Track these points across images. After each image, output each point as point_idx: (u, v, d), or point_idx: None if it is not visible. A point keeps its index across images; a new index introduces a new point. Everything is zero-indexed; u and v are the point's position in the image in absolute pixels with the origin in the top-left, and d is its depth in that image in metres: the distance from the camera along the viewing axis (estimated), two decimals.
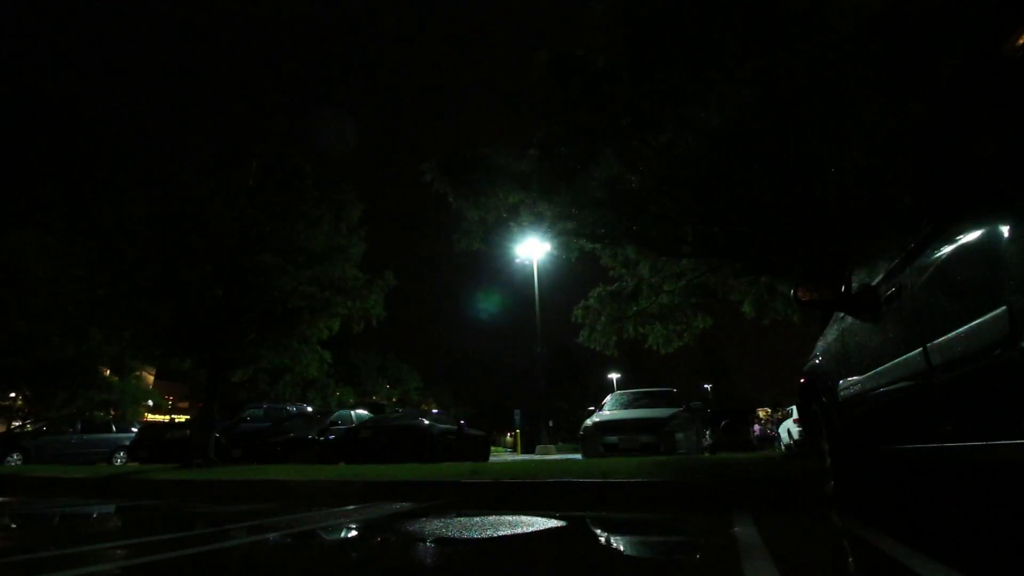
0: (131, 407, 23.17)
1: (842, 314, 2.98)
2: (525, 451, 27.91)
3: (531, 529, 3.00)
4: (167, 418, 31.92)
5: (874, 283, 2.47)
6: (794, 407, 14.15)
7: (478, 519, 3.35)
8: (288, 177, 10.02)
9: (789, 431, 16.23)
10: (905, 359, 2.02)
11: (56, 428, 14.94)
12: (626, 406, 10.75)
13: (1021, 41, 1.42)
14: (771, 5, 5.59)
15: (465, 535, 2.79)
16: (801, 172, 5.80)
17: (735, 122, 5.81)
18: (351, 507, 4.33)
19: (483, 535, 2.78)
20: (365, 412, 14.41)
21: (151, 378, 30.97)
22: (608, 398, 11.64)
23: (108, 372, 22.15)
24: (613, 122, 6.46)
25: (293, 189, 9.88)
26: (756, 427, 21.95)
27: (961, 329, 1.61)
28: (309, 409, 14.92)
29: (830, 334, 3.29)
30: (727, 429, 19.32)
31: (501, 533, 2.85)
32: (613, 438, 9.24)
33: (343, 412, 13.82)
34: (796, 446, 14.34)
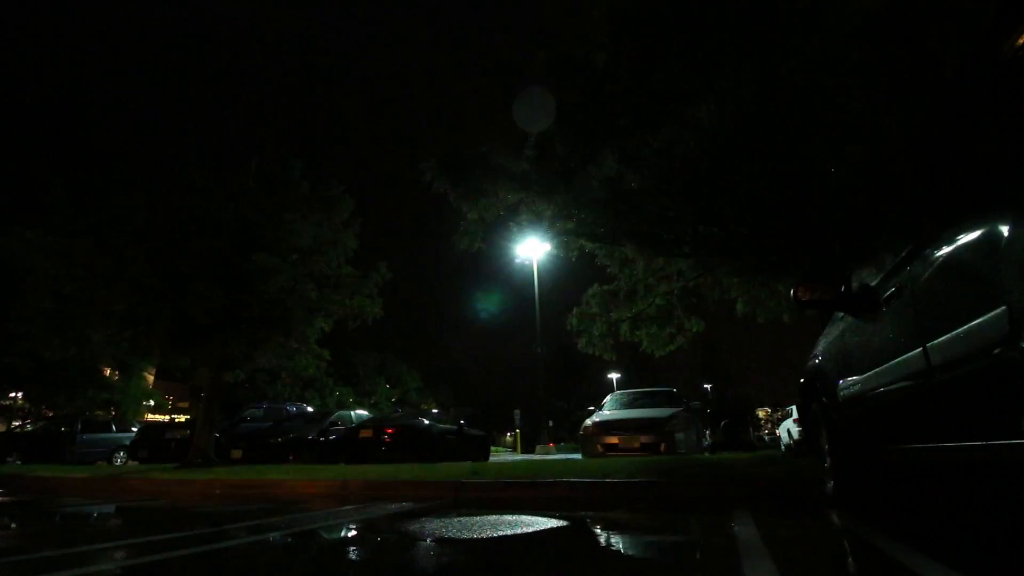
0: (132, 407, 23.19)
1: (842, 314, 2.98)
2: (525, 451, 27.92)
3: (531, 529, 3.00)
4: (167, 418, 31.93)
5: (874, 283, 2.46)
6: (794, 407, 14.16)
7: (478, 519, 3.35)
8: (277, 171, 10.02)
9: (789, 431, 16.23)
10: (905, 359, 2.02)
11: (56, 428, 14.92)
12: (626, 406, 10.75)
13: (1021, 41, 1.42)
14: (770, 5, 5.59)
15: (465, 535, 2.79)
16: (800, 172, 5.79)
17: (734, 122, 5.80)
18: (351, 507, 4.33)
19: (483, 535, 2.78)
20: (365, 412, 14.42)
21: (151, 378, 30.99)
22: (608, 398, 11.63)
23: (108, 372, 22.17)
24: (612, 122, 6.45)
25: (284, 183, 9.88)
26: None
27: (961, 329, 1.61)
28: (309, 409, 14.92)
29: (830, 334, 3.29)
30: (727, 429, 19.33)
31: (501, 533, 2.85)
32: (613, 438, 9.24)
33: (343, 412, 13.83)
34: (796, 446, 14.35)
